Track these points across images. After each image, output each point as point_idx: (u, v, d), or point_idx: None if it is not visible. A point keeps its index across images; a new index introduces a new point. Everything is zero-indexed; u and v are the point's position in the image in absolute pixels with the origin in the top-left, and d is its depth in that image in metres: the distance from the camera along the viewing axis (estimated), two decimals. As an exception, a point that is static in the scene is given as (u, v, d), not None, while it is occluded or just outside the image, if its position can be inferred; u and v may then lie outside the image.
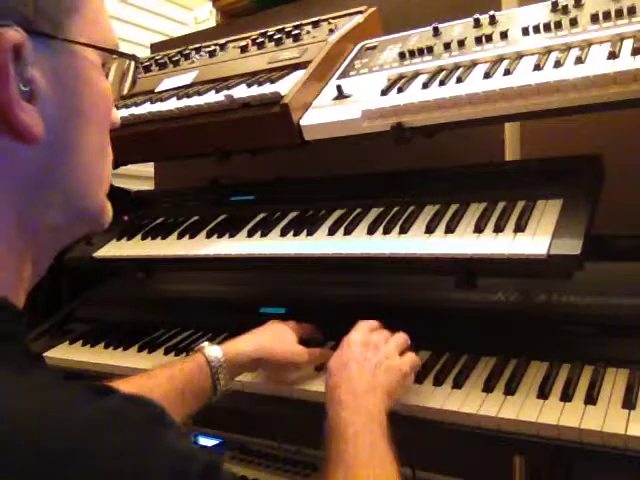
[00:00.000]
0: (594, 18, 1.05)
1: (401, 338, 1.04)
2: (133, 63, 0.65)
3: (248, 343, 1.11)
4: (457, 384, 1.03)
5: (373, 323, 1.06)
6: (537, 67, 1.00)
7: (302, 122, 1.17)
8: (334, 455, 0.81)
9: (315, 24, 1.42)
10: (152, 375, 1.02)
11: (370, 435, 0.84)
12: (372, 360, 0.96)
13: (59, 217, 0.56)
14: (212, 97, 1.27)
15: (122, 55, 0.62)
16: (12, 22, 0.48)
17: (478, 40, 1.16)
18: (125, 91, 0.65)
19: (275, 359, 1.11)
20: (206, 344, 1.09)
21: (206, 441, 1.62)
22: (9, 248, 0.52)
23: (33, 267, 0.56)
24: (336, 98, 1.19)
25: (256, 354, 1.09)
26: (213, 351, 1.06)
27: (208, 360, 1.05)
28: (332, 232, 1.16)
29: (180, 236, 1.37)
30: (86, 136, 0.57)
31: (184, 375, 1.02)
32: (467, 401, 0.99)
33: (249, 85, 1.27)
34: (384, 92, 1.13)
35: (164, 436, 0.47)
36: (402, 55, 1.23)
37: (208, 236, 1.32)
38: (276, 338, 1.13)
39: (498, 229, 1.00)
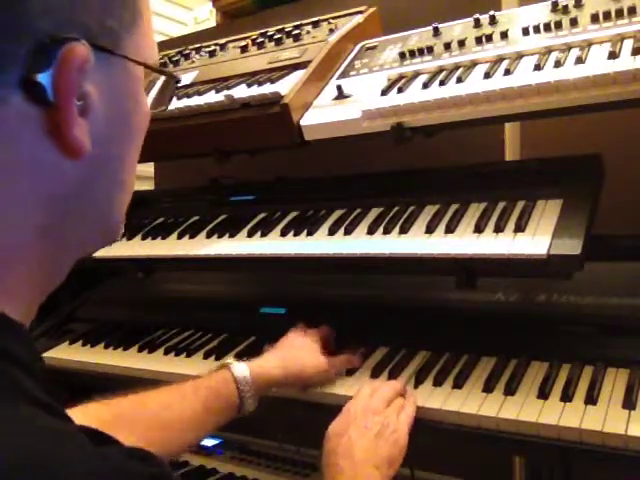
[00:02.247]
0: (594, 18, 1.05)
1: (400, 397, 1.02)
2: (173, 82, 0.64)
3: (274, 363, 1.09)
4: (457, 384, 1.03)
5: (373, 386, 1.03)
6: (537, 67, 1.00)
7: (302, 122, 1.17)
8: None
9: (315, 24, 1.42)
10: (176, 389, 1.01)
11: None
12: (373, 429, 0.94)
13: (85, 231, 0.55)
14: (212, 97, 1.27)
15: (168, 75, 0.62)
16: (77, 34, 0.46)
17: (478, 40, 1.16)
18: (165, 107, 0.65)
19: (301, 377, 1.09)
20: (232, 360, 1.07)
21: (206, 441, 1.61)
22: (29, 260, 0.50)
23: (50, 279, 0.55)
24: (336, 98, 1.19)
25: (282, 375, 1.08)
26: (240, 369, 1.04)
27: (235, 377, 1.03)
28: (332, 232, 1.16)
29: (180, 236, 1.37)
30: (127, 154, 0.56)
31: (209, 388, 1.01)
32: (467, 401, 0.99)
33: (249, 85, 1.27)
34: (384, 92, 1.13)
35: None
36: (402, 55, 1.23)
37: (208, 236, 1.32)
38: (301, 354, 1.11)
39: (498, 229, 1.00)
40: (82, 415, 0.87)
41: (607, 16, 1.04)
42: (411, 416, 0.99)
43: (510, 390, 0.99)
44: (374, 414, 0.96)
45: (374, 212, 1.20)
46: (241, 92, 1.24)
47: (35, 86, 0.45)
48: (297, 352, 1.12)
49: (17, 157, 0.47)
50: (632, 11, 1.02)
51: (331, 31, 1.37)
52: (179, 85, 1.44)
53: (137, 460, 0.45)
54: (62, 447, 0.41)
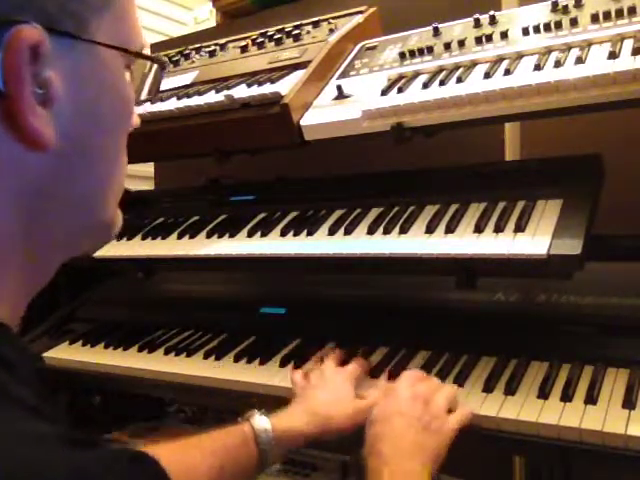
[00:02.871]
0: (594, 18, 1.05)
1: (451, 392, 0.96)
2: (158, 66, 0.59)
3: (301, 415, 0.96)
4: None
5: (419, 373, 1.00)
6: (537, 67, 1.00)
7: (302, 122, 1.17)
8: None
9: (315, 24, 1.42)
10: (199, 446, 0.90)
11: None
12: (421, 419, 0.89)
13: (69, 228, 0.52)
14: (212, 97, 1.27)
15: (148, 58, 0.57)
16: (32, 18, 0.43)
17: (478, 40, 1.16)
18: (147, 95, 0.60)
19: (332, 432, 0.96)
20: (255, 413, 0.95)
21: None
22: (11, 260, 0.49)
23: (36, 279, 0.53)
24: (336, 98, 1.19)
25: (311, 429, 0.95)
26: (261, 423, 0.92)
27: (256, 435, 0.91)
28: (332, 232, 1.16)
29: (180, 236, 1.37)
30: (103, 143, 0.53)
31: (227, 451, 0.90)
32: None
33: (249, 85, 1.27)
34: (384, 92, 1.13)
35: None
36: (402, 55, 1.23)
37: (208, 236, 1.32)
38: (334, 403, 0.98)
39: (498, 229, 1.00)
40: None
41: (607, 16, 1.04)
42: (465, 416, 0.93)
43: (510, 390, 0.99)
44: (423, 403, 0.91)
45: (374, 212, 1.20)
46: (241, 92, 1.24)
47: None
48: (327, 397, 0.99)
49: None
50: (632, 11, 1.02)
51: (331, 31, 1.37)
52: (179, 85, 1.44)
53: (112, 461, 0.43)
54: (39, 452, 0.40)
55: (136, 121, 0.59)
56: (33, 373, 0.48)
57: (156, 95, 0.62)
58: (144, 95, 0.60)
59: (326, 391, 1.01)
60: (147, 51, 0.57)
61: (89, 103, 0.50)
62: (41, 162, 0.48)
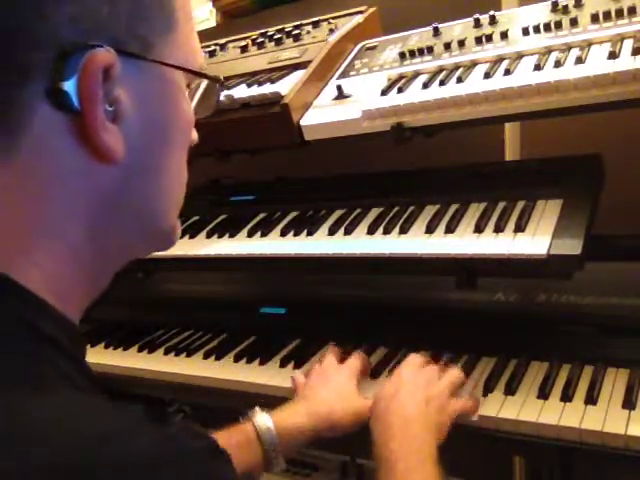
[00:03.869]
0: (594, 18, 1.05)
1: (455, 376, 0.97)
2: (218, 85, 0.64)
3: (303, 414, 0.96)
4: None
5: (423, 358, 1.01)
6: (537, 67, 1.00)
7: (302, 122, 1.17)
8: None
9: (315, 24, 1.42)
10: None
11: (420, 473, 0.81)
12: (424, 392, 0.91)
13: (131, 237, 0.56)
14: (212, 97, 1.27)
15: (209, 78, 0.61)
16: (103, 42, 0.47)
17: (478, 40, 1.16)
18: (210, 112, 0.65)
19: (335, 429, 0.96)
20: (257, 412, 0.95)
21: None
22: (79, 267, 0.52)
23: (98, 285, 0.56)
24: (336, 98, 1.19)
25: (313, 426, 0.95)
26: (264, 422, 0.93)
27: (259, 434, 0.92)
28: (332, 232, 1.16)
29: (180, 236, 1.37)
30: (167, 159, 0.56)
31: (231, 452, 0.90)
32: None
33: (249, 85, 1.27)
34: (384, 92, 1.13)
35: (223, 470, 0.47)
36: (402, 55, 1.23)
37: (208, 236, 1.32)
38: (336, 400, 0.98)
39: (498, 229, 1.00)
40: None
41: (607, 16, 1.04)
42: (465, 407, 0.94)
43: (510, 390, 0.99)
44: (426, 381, 0.93)
45: (374, 212, 1.20)
46: (241, 92, 1.24)
47: (61, 94, 0.46)
48: (330, 394, 0.99)
49: (52, 163, 0.48)
50: (632, 11, 1.02)
51: (331, 31, 1.37)
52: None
53: (193, 437, 0.47)
54: (135, 430, 0.43)
55: (195, 137, 0.64)
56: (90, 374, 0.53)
57: (214, 108, 0.66)
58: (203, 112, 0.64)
59: (328, 389, 1.01)
60: (205, 70, 0.61)
61: (154, 120, 0.53)
62: (109, 175, 0.51)
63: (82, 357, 0.51)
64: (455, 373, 0.99)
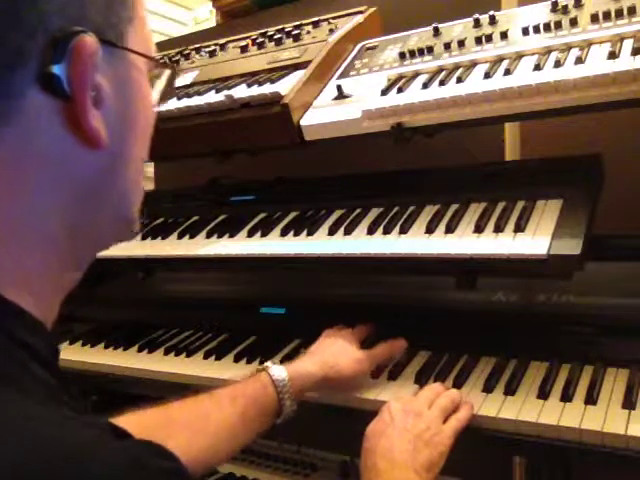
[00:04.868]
0: (594, 18, 1.05)
1: (448, 400, 0.97)
2: (172, 76, 0.64)
3: (312, 363, 1.06)
4: (457, 384, 1.03)
5: (435, 387, 1.01)
6: (537, 67, 1.00)
7: (302, 122, 1.17)
8: None
9: (315, 24, 1.42)
10: (213, 395, 0.97)
11: None
12: (413, 430, 0.91)
13: (106, 226, 0.56)
14: (212, 97, 1.27)
15: (166, 66, 0.62)
16: (87, 29, 0.49)
17: (478, 40, 1.16)
18: (166, 101, 0.66)
19: (341, 375, 1.06)
20: (270, 364, 1.03)
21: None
22: (56, 260, 0.52)
23: (73, 275, 0.56)
24: (336, 98, 1.19)
25: (322, 373, 1.05)
26: (277, 371, 1.01)
27: (273, 381, 1.00)
28: (332, 232, 1.16)
29: (180, 236, 1.37)
30: (137, 146, 0.57)
31: (247, 397, 0.97)
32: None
33: (249, 85, 1.27)
34: (384, 92, 1.13)
35: None
36: (402, 55, 1.23)
37: (208, 236, 1.32)
38: (339, 352, 1.09)
39: (498, 229, 1.00)
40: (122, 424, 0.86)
41: (607, 16, 1.04)
42: (462, 420, 0.95)
43: (510, 390, 0.99)
44: (415, 415, 0.93)
45: (374, 212, 1.20)
46: (241, 92, 1.24)
47: (51, 79, 0.47)
48: (334, 348, 1.10)
49: (39, 149, 0.49)
50: (632, 11, 1.02)
51: (331, 31, 1.37)
52: (179, 85, 1.44)
53: (153, 454, 0.45)
54: (87, 438, 0.42)
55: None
56: (63, 380, 0.50)
57: (169, 100, 0.66)
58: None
59: (333, 345, 1.11)
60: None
61: (128, 106, 0.55)
62: (94, 160, 0.52)
63: (55, 363, 0.50)
64: (447, 399, 0.97)
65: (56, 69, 0.47)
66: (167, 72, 0.63)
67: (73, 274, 0.56)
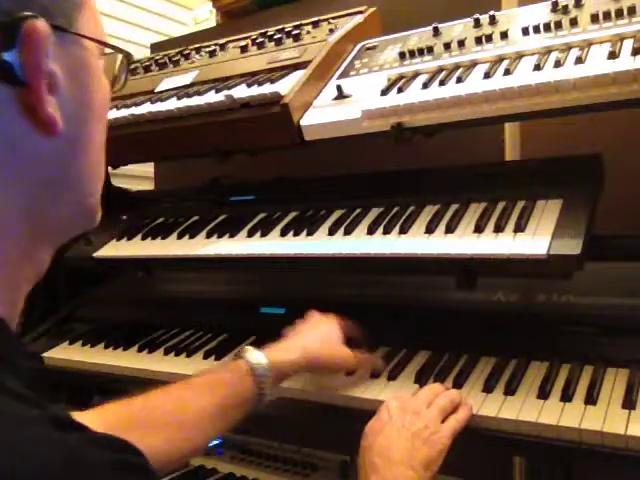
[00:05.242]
0: (594, 18, 1.05)
1: (447, 400, 0.97)
2: (126, 60, 0.64)
3: (293, 348, 1.04)
4: (457, 384, 1.03)
5: (434, 387, 1.01)
6: (537, 67, 1.00)
7: (302, 122, 1.17)
8: None
9: (315, 24, 1.42)
10: (191, 384, 0.96)
11: None
12: (411, 428, 0.90)
13: (66, 214, 0.56)
14: (212, 97, 1.27)
15: (120, 51, 0.62)
16: (37, 13, 0.47)
17: (478, 40, 1.16)
18: (121, 87, 0.65)
19: (321, 365, 1.05)
20: (249, 348, 1.01)
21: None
22: (13, 245, 0.51)
23: (35, 267, 0.55)
24: (336, 98, 1.19)
25: (302, 360, 1.03)
26: (256, 357, 0.98)
27: (251, 367, 0.97)
28: (332, 232, 1.16)
29: (180, 236, 1.37)
30: (95, 132, 0.57)
31: (224, 385, 0.96)
32: (467, 401, 0.98)
33: (249, 85, 1.27)
34: (384, 92, 1.13)
35: None
36: (402, 55, 1.23)
37: (208, 236, 1.32)
38: (323, 341, 1.06)
39: (498, 229, 1.00)
40: (98, 417, 0.86)
41: (607, 16, 1.04)
42: (461, 421, 0.94)
43: (510, 390, 0.99)
44: (413, 414, 0.93)
45: (374, 212, 1.20)
46: (241, 92, 1.24)
47: (3, 65, 0.47)
48: (318, 335, 1.07)
49: None
50: (632, 11, 1.02)
51: (331, 31, 1.37)
52: (179, 85, 1.44)
53: (100, 447, 0.44)
54: (15, 431, 0.40)
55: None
56: (26, 369, 0.49)
57: (124, 86, 0.65)
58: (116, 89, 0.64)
59: (315, 331, 1.09)
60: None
61: (82, 91, 0.54)
62: (50, 148, 0.51)
63: (4, 351, 0.47)
64: (446, 399, 0.97)
65: (7, 56, 0.46)
66: (120, 57, 0.62)
67: (34, 268, 0.55)
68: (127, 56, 0.63)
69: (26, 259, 0.53)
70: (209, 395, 0.94)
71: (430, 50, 1.20)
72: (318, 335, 1.08)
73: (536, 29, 1.11)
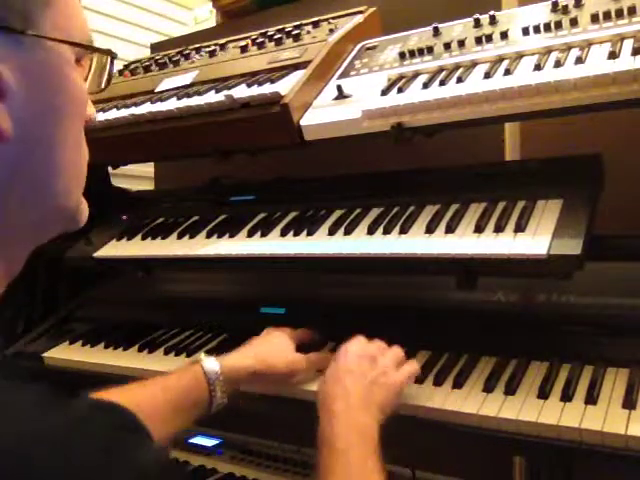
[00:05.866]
0: (594, 18, 1.05)
1: (398, 351, 1.03)
2: (110, 58, 0.63)
3: (245, 356, 1.10)
4: (457, 384, 1.03)
5: (364, 338, 1.05)
6: (537, 67, 1.00)
7: (302, 122, 1.17)
8: (323, 467, 0.82)
9: (315, 24, 1.42)
10: (147, 385, 1.01)
11: (360, 450, 0.84)
12: (368, 375, 0.95)
13: (33, 216, 0.55)
14: (212, 97, 1.27)
15: (97, 50, 0.61)
16: None
17: (478, 40, 1.16)
18: (102, 86, 0.64)
19: (273, 371, 1.10)
20: (203, 356, 1.07)
21: (206, 441, 1.62)
22: None
23: (6, 267, 0.55)
24: (336, 98, 1.19)
25: (254, 367, 1.08)
26: (210, 364, 1.05)
27: (205, 373, 1.03)
28: (332, 232, 1.16)
29: (180, 236, 1.37)
30: (60, 132, 0.56)
31: (179, 387, 1.02)
32: (467, 401, 0.99)
33: (249, 85, 1.27)
34: (384, 92, 1.13)
35: (130, 447, 0.46)
36: (402, 55, 1.23)
37: (208, 236, 1.32)
38: (274, 349, 1.12)
39: (498, 229, 1.00)
40: None
41: (607, 16, 1.05)
42: (412, 371, 1.01)
43: (510, 390, 0.99)
44: (370, 360, 0.97)
45: (374, 212, 1.20)
46: (241, 92, 1.24)
47: None
48: (269, 345, 1.14)
49: None
50: (632, 11, 1.02)
51: (331, 31, 1.37)
52: (179, 85, 1.44)
53: (101, 410, 0.46)
54: (20, 400, 0.42)
55: (91, 115, 0.62)
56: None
57: (107, 86, 0.64)
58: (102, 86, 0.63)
59: (269, 342, 1.15)
60: (93, 44, 0.60)
61: (41, 94, 0.53)
62: (3, 152, 0.51)
63: None
64: (398, 350, 1.03)
65: None
66: (96, 55, 0.61)
67: (13, 267, 0.55)
68: (107, 54, 0.62)
69: (1, 263, 0.53)
70: (162, 396, 0.99)
71: (430, 50, 1.20)
72: (269, 343, 1.15)
73: (536, 29, 1.11)
